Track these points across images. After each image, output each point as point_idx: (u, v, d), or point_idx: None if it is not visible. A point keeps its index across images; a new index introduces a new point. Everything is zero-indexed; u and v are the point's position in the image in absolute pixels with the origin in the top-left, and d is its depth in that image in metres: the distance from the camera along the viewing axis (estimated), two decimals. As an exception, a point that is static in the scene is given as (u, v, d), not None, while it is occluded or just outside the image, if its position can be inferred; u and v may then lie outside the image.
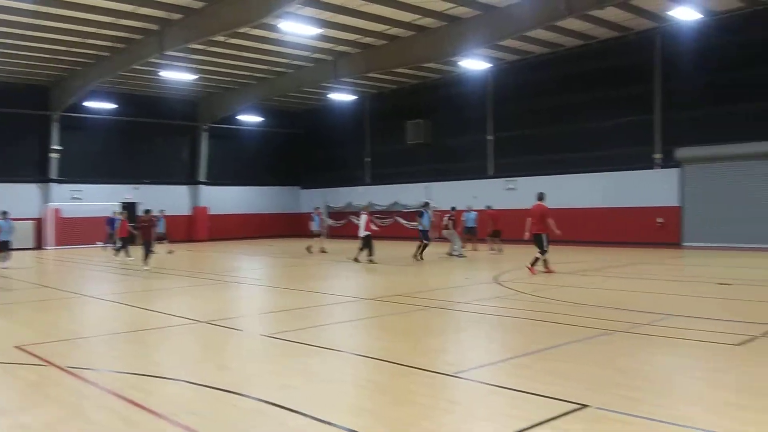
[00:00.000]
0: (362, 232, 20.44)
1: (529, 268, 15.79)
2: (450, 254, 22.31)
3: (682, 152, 24.65)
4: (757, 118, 23.06)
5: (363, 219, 20.58)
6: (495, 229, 24.17)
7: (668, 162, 25.17)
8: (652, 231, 25.30)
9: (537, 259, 15.89)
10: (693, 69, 24.59)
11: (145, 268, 18.77)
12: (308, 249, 25.22)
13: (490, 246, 24.21)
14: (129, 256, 23.06)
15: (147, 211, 20.17)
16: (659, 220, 25.11)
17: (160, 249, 26.43)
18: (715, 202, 24.00)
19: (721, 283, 13.40)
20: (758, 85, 23.04)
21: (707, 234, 24.09)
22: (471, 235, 24.70)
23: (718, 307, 10.59)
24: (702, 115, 24.43)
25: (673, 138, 25.05)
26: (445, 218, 23.26)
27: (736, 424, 4.92)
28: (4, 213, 20.73)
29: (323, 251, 25.12)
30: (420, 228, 21.43)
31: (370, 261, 20.04)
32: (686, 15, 22.06)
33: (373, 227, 20.87)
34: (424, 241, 21.05)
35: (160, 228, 26.79)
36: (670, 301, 11.33)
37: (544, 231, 15.91)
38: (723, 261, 18.76)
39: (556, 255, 16.13)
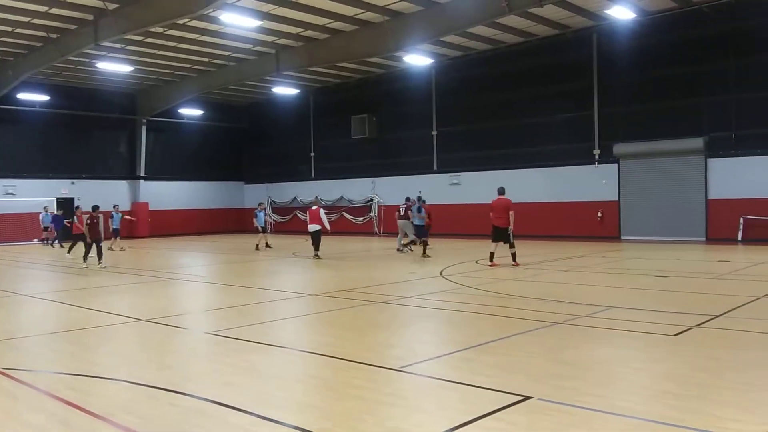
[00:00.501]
0: (313, 227, 20.35)
1: (492, 264, 16.09)
2: (403, 247, 22.20)
3: (618, 148, 25.33)
4: (690, 115, 23.88)
5: (322, 213, 20.49)
6: (429, 223, 22.76)
7: (607, 157, 25.82)
8: (592, 225, 25.94)
9: (514, 254, 16.25)
10: (628, 66, 25.27)
11: (101, 265, 18.19)
12: (257, 247, 24.57)
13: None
14: (68, 254, 22.45)
15: (95, 207, 19.31)
16: (599, 214, 25.77)
17: (114, 246, 26.05)
18: (651, 196, 24.75)
19: (659, 276, 13.83)
20: (690, 82, 23.85)
21: (643, 228, 24.83)
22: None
23: (656, 299, 10.92)
24: (637, 111, 25.17)
25: (610, 134, 25.71)
26: (402, 208, 22.57)
27: (673, 412, 5.07)
28: None
29: (268, 246, 24.86)
30: (415, 223, 20.77)
31: (316, 256, 19.97)
32: (622, 14, 22.64)
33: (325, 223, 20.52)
34: (423, 239, 20.28)
35: (115, 224, 26.37)
36: (609, 293, 11.64)
37: (508, 225, 16.09)
38: (659, 254, 19.36)
39: (500, 249, 16.33)
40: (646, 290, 12.05)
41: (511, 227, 16.08)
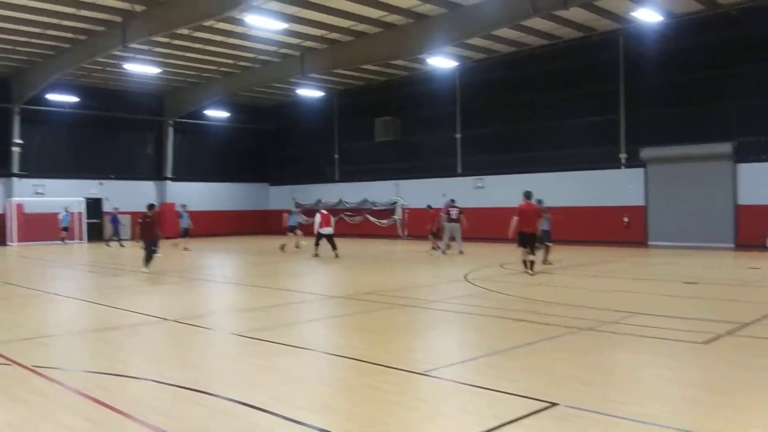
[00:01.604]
0: (324, 230, 21.24)
1: (529, 272, 15.10)
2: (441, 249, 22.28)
3: (645, 152, 25.05)
4: (718, 119, 23.54)
5: (317, 217, 21.56)
6: (437, 228, 23.01)
7: (633, 162, 25.55)
8: (618, 230, 25.67)
9: (533, 262, 15.41)
10: (655, 70, 24.99)
11: (144, 270, 16.97)
12: (282, 247, 24.54)
13: (432, 245, 23.09)
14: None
15: (150, 206, 17.98)
16: (625, 219, 25.49)
17: (181, 245, 26.38)
18: (678, 201, 24.44)
19: (687, 282, 13.65)
20: (719, 86, 23.52)
21: (671, 233, 24.52)
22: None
23: (684, 306, 10.78)
24: (665, 115, 24.87)
25: (637, 138, 25.43)
26: (453, 212, 22.34)
27: (702, 421, 5.00)
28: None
29: (297, 247, 24.95)
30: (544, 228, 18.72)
31: (316, 255, 20.99)
32: (648, 17, 22.40)
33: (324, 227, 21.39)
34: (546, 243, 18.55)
35: (184, 223, 26.70)
36: (636, 299, 11.51)
37: (536, 231, 15.48)
38: (687, 260, 19.11)
39: (512, 254, 16.20)
40: (674, 297, 11.90)
41: (539, 232, 15.61)
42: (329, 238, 21.20)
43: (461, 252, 22.01)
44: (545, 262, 17.76)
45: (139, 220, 17.66)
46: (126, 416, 5.27)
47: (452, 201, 23.03)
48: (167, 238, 29.82)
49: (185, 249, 26.13)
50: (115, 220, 30.05)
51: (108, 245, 29.52)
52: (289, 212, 27.11)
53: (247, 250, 27.21)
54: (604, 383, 6.08)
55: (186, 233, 26.85)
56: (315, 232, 21.62)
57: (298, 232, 26.01)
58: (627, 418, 5.03)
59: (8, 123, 31.94)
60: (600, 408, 5.27)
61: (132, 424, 5.11)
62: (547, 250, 18.06)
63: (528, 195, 15.88)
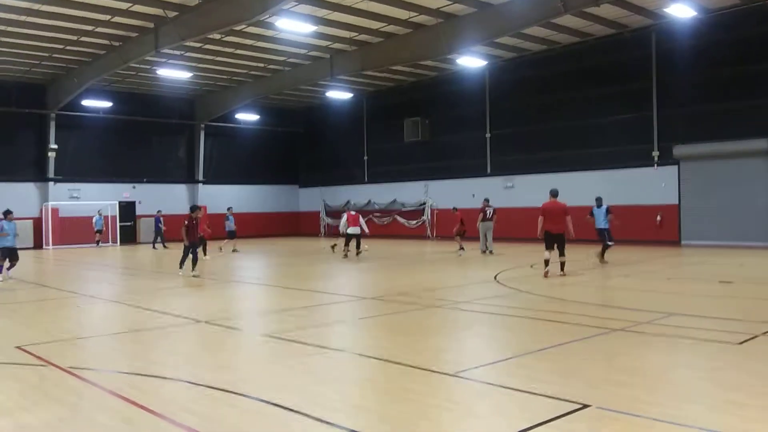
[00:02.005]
0: (351, 230, 21.88)
1: (562, 274, 14.70)
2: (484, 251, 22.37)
3: (679, 150, 24.66)
4: (753, 115, 23.07)
5: (345, 216, 22.39)
6: (463, 229, 23.52)
7: (666, 159, 25.18)
8: (651, 229, 25.31)
9: (564, 263, 14.87)
10: (689, 66, 24.59)
11: (183, 273, 16.72)
12: (332, 247, 24.61)
13: (459, 246, 23.25)
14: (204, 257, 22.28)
15: (193, 208, 17.53)
16: (658, 217, 25.10)
17: (227, 247, 26.80)
18: (713, 199, 24.01)
19: (722, 282, 13.41)
20: (754, 82, 23.06)
21: (705, 232, 24.11)
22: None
23: (719, 306, 10.60)
24: (698, 112, 24.46)
25: (670, 135, 25.06)
26: (489, 211, 22.50)
27: (738, 423, 4.91)
28: (6, 213, 17.37)
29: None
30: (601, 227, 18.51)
31: (345, 256, 21.74)
32: (682, 12, 22.01)
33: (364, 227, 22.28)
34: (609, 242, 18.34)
35: (230, 226, 26.97)
36: (670, 299, 11.33)
37: (564, 230, 14.87)
38: (722, 259, 18.78)
39: (555, 253, 15.98)
40: (709, 297, 11.71)
41: (571, 232, 15.06)
42: (357, 237, 21.95)
43: (491, 252, 21.96)
44: (602, 261, 17.66)
45: (185, 222, 16.94)
46: (159, 416, 5.34)
47: (486, 200, 23.14)
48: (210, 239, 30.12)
49: (234, 251, 26.42)
50: (158, 223, 30.46)
51: (154, 247, 29.93)
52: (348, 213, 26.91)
53: (277, 252, 27.39)
54: (636, 384, 6.00)
55: (233, 235, 27.03)
56: (342, 232, 22.29)
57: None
58: (660, 420, 4.96)
59: (44, 128, 32.67)
60: (633, 409, 5.21)
61: (165, 424, 5.18)
62: (606, 248, 17.85)
63: (554, 193, 15.29)
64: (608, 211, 18.23)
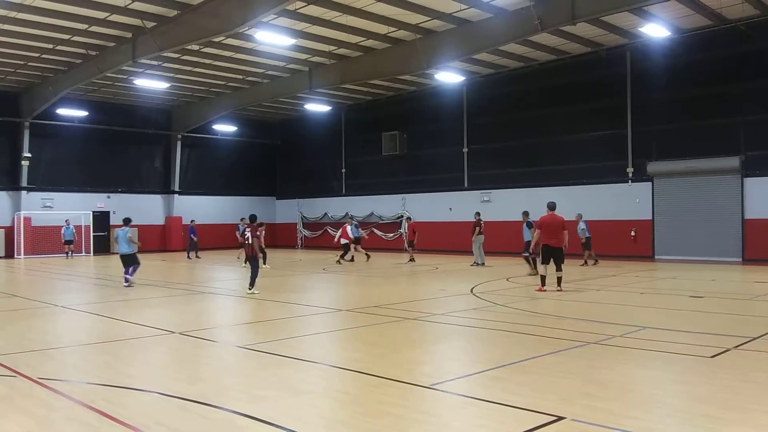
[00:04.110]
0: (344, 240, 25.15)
1: (540, 289, 14.52)
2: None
3: (652, 166, 25.03)
4: (725, 134, 23.52)
5: (341, 230, 25.78)
6: (411, 239, 25.66)
7: (641, 176, 25.51)
8: (626, 244, 25.57)
9: (561, 278, 14.72)
10: (663, 84, 25.01)
11: (252, 291, 15.23)
12: (352, 258, 25.76)
13: (410, 256, 25.55)
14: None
15: (253, 218, 16.28)
16: (632, 233, 25.39)
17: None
18: (686, 215, 24.37)
19: (694, 296, 13.58)
20: (726, 101, 23.51)
21: (677, 247, 24.44)
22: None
23: (691, 320, 10.72)
24: (672, 129, 24.85)
25: (644, 152, 25.42)
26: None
27: (709, 435, 4.96)
28: (126, 221, 17.83)
29: (347, 260, 25.43)
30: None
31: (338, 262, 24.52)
32: (656, 32, 22.44)
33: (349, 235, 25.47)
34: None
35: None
36: (643, 313, 11.45)
37: (562, 244, 14.80)
38: (694, 274, 19.02)
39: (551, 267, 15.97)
40: (681, 311, 11.84)
41: (566, 246, 14.99)
42: (345, 246, 25.23)
43: (484, 264, 22.83)
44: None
45: (258, 234, 15.74)
46: (130, 428, 5.26)
47: (478, 214, 24.00)
48: (174, 251, 29.86)
49: (190, 258, 27.17)
50: (192, 233, 30.03)
51: (188, 257, 29.54)
52: (350, 224, 26.90)
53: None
54: (610, 397, 6.04)
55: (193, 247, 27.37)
56: (336, 241, 25.94)
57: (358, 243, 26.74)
58: (634, 433, 4.99)
59: (18, 137, 32.24)
60: (607, 422, 5.24)
61: (137, 436, 5.10)
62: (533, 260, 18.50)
63: (552, 206, 15.08)
64: (530, 225, 19.05)
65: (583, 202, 26.75)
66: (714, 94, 23.77)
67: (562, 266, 14.86)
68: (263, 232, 16.39)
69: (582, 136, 27.25)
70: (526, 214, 20.27)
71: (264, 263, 22.00)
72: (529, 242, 18.60)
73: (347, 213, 36.38)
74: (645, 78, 25.48)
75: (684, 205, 24.48)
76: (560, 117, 27.89)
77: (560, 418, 5.33)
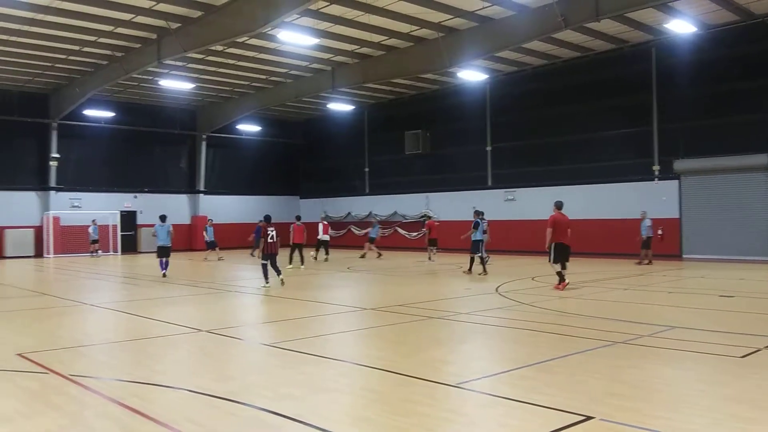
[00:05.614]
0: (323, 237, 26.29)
1: (558, 287, 14.51)
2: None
3: (679, 164, 24.72)
4: (754, 130, 23.13)
5: (321, 226, 26.54)
6: (431, 238, 25.35)
7: (667, 173, 25.21)
8: (652, 243, 25.19)
9: (562, 274, 14.66)
10: (689, 81, 24.67)
11: (266, 285, 16.10)
12: (369, 256, 27.58)
13: (428, 254, 25.39)
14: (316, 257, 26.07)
15: (267, 218, 16.97)
16: (659, 231, 25.07)
17: (211, 256, 28.71)
18: (714, 213, 24.03)
19: (723, 295, 13.40)
20: (754, 97, 23.12)
21: (706, 246, 24.11)
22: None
23: (721, 320, 10.58)
24: (699, 126, 24.50)
25: (670, 150, 25.10)
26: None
27: (741, 436, 4.90)
28: (162, 217, 20.70)
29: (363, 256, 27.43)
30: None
31: (325, 259, 25.81)
32: (682, 28, 22.16)
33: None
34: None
35: (209, 236, 29.02)
36: (671, 312, 11.33)
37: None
38: (723, 273, 18.77)
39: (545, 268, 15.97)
40: (710, 310, 11.70)
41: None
42: (325, 243, 26.40)
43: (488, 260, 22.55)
44: (469, 272, 19.25)
45: (273, 231, 16.42)
46: (161, 424, 5.33)
47: (482, 213, 23.15)
48: (200, 250, 30.12)
49: (205, 259, 27.98)
50: (258, 233, 30.16)
51: (252, 255, 29.76)
52: (372, 224, 29.52)
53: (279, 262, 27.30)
54: (639, 397, 5.98)
55: (213, 245, 29.04)
56: (317, 239, 26.22)
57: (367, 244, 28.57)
58: (664, 433, 4.95)
59: (46, 138, 32.70)
60: (636, 422, 5.20)
61: (167, 433, 5.17)
62: (479, 260, 19.28)
63: (560, 205, 15.29)
64: (476, 225, 19.50)
65: (609, 201, 26.62)
66: (741, 90, 23.41)
67: (567, 264, 14.93)
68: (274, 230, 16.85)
69: (607, 133, 26.99)
70: (477, 213, 20.32)
71: (302, 264, 22.94)
72: (475, 242, 19.28)
73: (370, 212, 36.46)
74: (671, 75, 25.17)
75: (712, 203, 24.15)
76: (584, 115, 27.65)
77: (588, 418, 5.30)
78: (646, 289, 15.21)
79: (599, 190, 26.86)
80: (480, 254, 19.26)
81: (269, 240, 16.24)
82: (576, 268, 16.49)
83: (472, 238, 19.50)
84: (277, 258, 16.62)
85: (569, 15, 20.54)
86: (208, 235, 28.86)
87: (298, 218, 24.30)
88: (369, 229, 29.35)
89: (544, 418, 5.39)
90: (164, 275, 19.52)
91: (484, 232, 22.33)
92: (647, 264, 22.13)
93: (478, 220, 19.60)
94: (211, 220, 30.61)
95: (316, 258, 26.18)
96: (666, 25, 22.31)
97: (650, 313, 11.17)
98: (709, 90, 24.19)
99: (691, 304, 12.57)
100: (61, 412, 5.76)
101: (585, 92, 27.60)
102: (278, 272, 16.70)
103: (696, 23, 22.07)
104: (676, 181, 25.05)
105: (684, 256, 24.67)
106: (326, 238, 26.56)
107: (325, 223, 27.16)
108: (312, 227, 26.77)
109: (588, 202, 26.71)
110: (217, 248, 28.96)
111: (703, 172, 24.35)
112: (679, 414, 5.52)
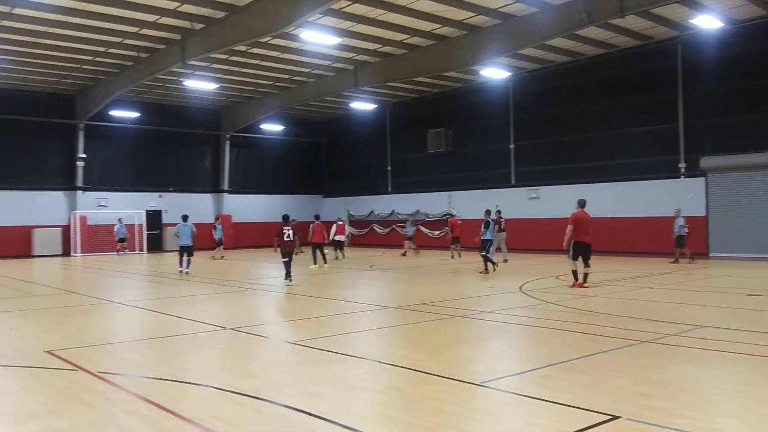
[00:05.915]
0: (337, 237, 26.22)
1: (580, 285, 14.41)
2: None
3: (706, 161, 24.39)
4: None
5: (334, 227, 26.42)
6: (454, 236, 25.71)
7: (693, 171, 24.89)
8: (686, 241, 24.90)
9: (587, 274, 14.62)
10: (716, 77, 24.31)
11: (289, 282, 16.71)
12: (404, 253, 28.38)
13: (451, 253, 25.94)
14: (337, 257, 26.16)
15: (285, 217, 17.61)
16: (685, 229, 24.73)
17: (218, 254, 28.79)
18: (741, 211, 23.68)
19: (751, 294, 13.21)
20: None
21: (733, 244, 23.76)
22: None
23: (749, 319, 10.43)
24: (725, 123, 24.14)
25: (697, 147, 24.77)
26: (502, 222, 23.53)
27: (771, 436, 4.83)
28: (185, 217, 21.44)
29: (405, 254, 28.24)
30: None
31: (336, 258, 25.67)
32: (708, 23, 21.87)
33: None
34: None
35: (218, 234, 29.28)
36: (698, 311, 11.19)
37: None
38: (750, 271, 18.51)
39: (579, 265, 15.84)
40: (737, 309, 11.54)
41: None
42: (340, 244, 26.45)
43: (506, 260, 22.87)
44: (486, 271, 18.93)
45: (290, 230, 17.00)
46: (187, 421, 5.39)
47: (499, 212, 24.12)
48: (224, 248, 30.35)
49: (213, 258, 28.23)
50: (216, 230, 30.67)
51: (213, 258, 30.07)
52: (406, 222, 31.08)
53: (299, 259, 27.43)
54: (666, 397, 5.92)
55: (221, 243, 29.66)
56: (330, 239, 25.64)
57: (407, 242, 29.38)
58: (692, 433, 4.89)
59: (73, 138, 33.19)
60: (663, 421, 5.14)
61: (193, 429, 5.22)
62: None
63: (582, 203, 15.17)
64: (486, 224, 19.29)
65: (634, 199, 26.34)
66: (769, 85, 23.04)
67: (589, 262, 14.74)
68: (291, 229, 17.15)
69: (632, 130, 26.71)
70: (488, 212, 20.40)
71: (324, 262, 22.83)
72: (485, 241, 19.03)
73: (393, 210, 36.50)
74: (697, 71, 24.83)
75: (739, 201, 23.79)
76: (609, 112, 27.38)
77: (615, 417, 5.25)
78: (673, 287, 15.04)
79: (624, 188, 26.58)
80: (486, 253, 19.09)
81: (285, 239, 16.77)
82: (602, 266, 16.34)
83: (482, 238, 19.42)
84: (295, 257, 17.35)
85: (593, 11, 20.38)
86: (217, 233, 29.19)
87: (317, 217, 24.32)
88: (406, 229, 30.10)
89: (570, 417, 5.36)
90: (180, 272, 20.33)
91: (501, 230, 22.49)
92: (689, 262, 21.56)
93: (489, 220, 19.52)
94: (219, 219, 31.04)
95: (341, 257, 26.32)
96: (692, 21, 22.03)
97: (677, 312, 11.04)
98: (736, 86, 23.83)
99: (719, 302, 12.41)
100: (89, 408, 5.85)
101: (609, 89, 27.33)
102: (289, 273, 16.98)
103: (723, 18, 21.77)
104: (703, 179, 24.73)
105: (710, 254, 24.34)
106: (341, 238, 26.65)
107: (340, 223, 27.19)
108: (328, 228, 26.83)
109: (613, 199, 26.46)
110: (221, 247, 29.31)
111: (730, 170, 24.01)
112: (707, 414, 5.46)
